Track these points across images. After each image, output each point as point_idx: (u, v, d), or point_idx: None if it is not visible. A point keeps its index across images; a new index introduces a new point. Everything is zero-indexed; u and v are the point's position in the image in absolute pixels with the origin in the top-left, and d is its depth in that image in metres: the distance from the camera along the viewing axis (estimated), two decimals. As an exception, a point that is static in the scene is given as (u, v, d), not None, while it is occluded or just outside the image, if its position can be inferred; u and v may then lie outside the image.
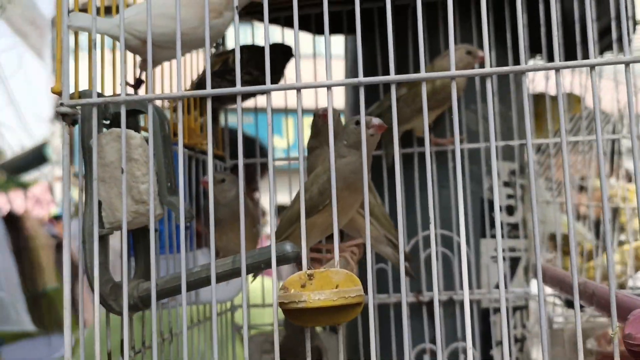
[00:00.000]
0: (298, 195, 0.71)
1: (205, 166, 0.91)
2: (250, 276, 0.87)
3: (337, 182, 0.51)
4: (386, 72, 0.97)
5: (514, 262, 1.01)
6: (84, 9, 0.62)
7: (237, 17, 0.54)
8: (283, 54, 0.93)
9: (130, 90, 0.70)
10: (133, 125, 0.63)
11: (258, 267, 0.57)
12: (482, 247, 1.00)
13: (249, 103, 1.03)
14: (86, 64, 0.57)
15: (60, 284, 2.90)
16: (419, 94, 0.92)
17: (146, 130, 0.69)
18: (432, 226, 0.50)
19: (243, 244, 0.54)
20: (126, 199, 0.55)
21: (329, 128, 0.51)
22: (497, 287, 0.99)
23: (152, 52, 0.55)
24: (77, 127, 0.59)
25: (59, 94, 0.55)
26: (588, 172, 1.12)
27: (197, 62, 0.92)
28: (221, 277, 0.57)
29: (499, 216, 0.49)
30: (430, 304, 0.96)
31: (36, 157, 6.80)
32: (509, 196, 1.02)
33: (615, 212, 1.28)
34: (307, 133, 0.82)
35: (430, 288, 0.97)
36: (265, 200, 1.31)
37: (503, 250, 1.00)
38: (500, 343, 0.96)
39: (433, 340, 0.95)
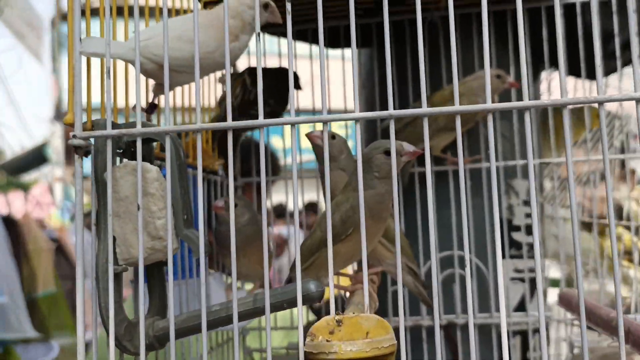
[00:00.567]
0: (318, 223, 0.68)
1: (217, 187, 0.89)
2: None
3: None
4: (416, 84, 0.95)
5: (533, 283, 0.98)
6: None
7: (259, 45, 0.51)
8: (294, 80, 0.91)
9: (141, 112, 0.68)
10: (147, 152, 0.60)
11: (280, 307, 0.54)
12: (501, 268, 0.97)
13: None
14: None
15: (58, 288, 2.87)
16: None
17: (161, 157, 0.67)
18: (466, 250, 0.47)
19: (267, 289, 0.51)
20: (142, 235, 0.52)
21: (358, 160, 0.49)
22: (517, 309, 0.96)
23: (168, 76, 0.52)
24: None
25: (71, 125, 0.53)
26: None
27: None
28: (242, 317, 0.54)
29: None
30: (447, 327, 0.93)
31: (36, 157, 6.78)
32: (528, 215, 0.99)
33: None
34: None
35: (447, 311, 0.94)
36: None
37: (523, 271, 0.97)
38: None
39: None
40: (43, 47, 6.25)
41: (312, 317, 1.10)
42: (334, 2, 0.91)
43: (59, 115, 6.90)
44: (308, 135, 0.72)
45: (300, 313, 0.50)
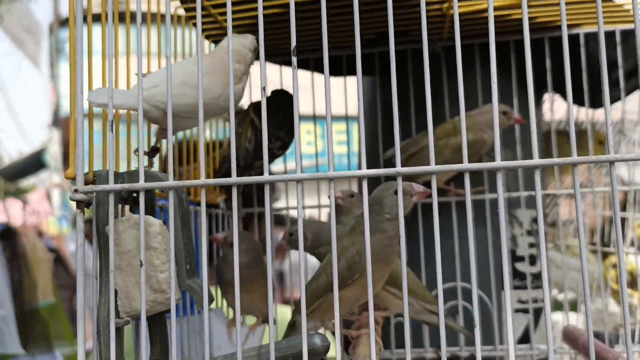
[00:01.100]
0: (323, 267, 0.68)
1: (218, 220, 0.88)
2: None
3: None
4: (419, 114, 0.94)
5: (537, 314, 0.97)
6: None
7: (264, 100, 0.50)
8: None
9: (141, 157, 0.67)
10: (149, 199, 0.59)
11: (285, 360, 0.53)
12: (505, 300, 0.96)
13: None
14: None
15: (56, 299, 2.85)
16: (449, 145, 0.89)
17: (163, 196, 0.66)
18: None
19: (272, 345, 0.50)
20: (145, 289, 0.52)
21: (365, 211, 0.48)
22: (520, 342, 0.95)
23: (173, 122, 0.52)
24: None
25: (73, 178, 0.52)
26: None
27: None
28: (246, 370, 0.54)
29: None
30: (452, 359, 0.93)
31: (34, 163, 6.77)
32: (531, 245, 0.98)
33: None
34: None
35: (450, 343, 0.93)
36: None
37: (527, 302, 0.97)
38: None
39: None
40: (42, 53, 6.24)
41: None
42: (336, 33, 0.90)
43: (56, 121, 6.89)
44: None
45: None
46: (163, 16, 0.71)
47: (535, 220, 0.99)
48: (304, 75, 1.00)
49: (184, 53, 0.83)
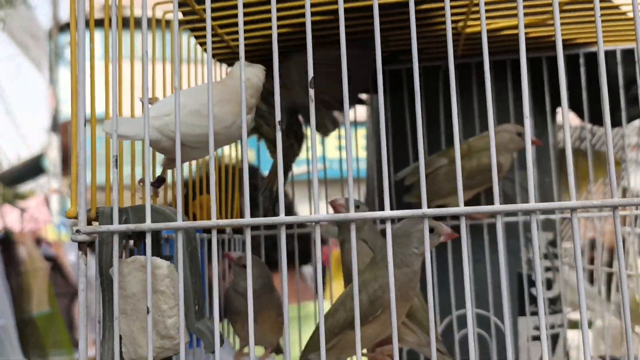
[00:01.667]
0: (341, 301, 0.64)
1: (225, 245, 0.85)
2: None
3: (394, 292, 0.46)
4: (431, 134, 0.92)
5: (554, 340, 0.94)
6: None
7: (279, 134, 0.47)
8: None
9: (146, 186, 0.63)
10: (154, 238, 0.56)
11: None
12: (521, 326, 0.93)
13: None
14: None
15: (53, 309, 2.82)
16: (464, 169, 0.86)
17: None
18: None
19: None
20: (151, 335, 0.48)
21: (388, 251, 0.45)
22: (538, 370, 0.92)
23: (182, 152, 0.49)
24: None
25: (75, 218, 0.48)
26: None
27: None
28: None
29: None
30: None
31: (33, 168, 6.73)
32: (548, 269, 0.95)
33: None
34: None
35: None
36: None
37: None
38: None
39: None
40: (44, 57, 6.21)
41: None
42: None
43: (55, 126, 6.85)
44: (332, 204, 0.69)
45: None
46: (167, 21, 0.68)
47: (551, 244, 0.96)
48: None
49: (181, 57, 0.80)
